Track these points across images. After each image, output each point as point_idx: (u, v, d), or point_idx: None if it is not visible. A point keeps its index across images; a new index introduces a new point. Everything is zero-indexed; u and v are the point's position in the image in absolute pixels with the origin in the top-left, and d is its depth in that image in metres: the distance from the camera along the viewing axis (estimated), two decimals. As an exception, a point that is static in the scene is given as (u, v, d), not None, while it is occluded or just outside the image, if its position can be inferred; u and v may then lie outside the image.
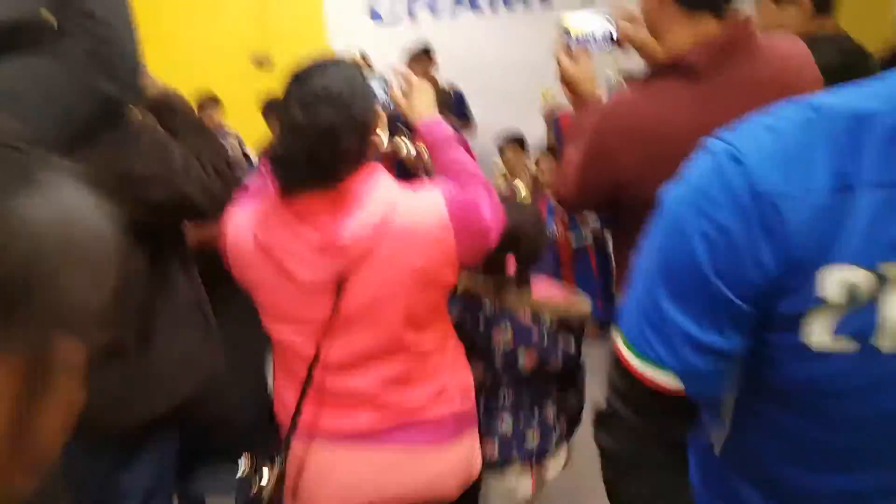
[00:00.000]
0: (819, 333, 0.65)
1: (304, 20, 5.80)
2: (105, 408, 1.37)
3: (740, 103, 1.21)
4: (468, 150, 1.44)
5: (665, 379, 0.73)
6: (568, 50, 1.54)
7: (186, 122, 1.56)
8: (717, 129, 1.19)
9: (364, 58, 3.76)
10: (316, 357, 1.28)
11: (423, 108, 1.48)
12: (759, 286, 0.66)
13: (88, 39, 0.96)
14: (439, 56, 4.85)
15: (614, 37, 1.52)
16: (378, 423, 1.32)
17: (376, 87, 1.54)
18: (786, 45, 1.34)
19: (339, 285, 1.23)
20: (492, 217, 1.30)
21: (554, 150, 4.63)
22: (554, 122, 4.76)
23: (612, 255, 4.38)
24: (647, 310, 0.74)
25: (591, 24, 1.53)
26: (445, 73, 4.91)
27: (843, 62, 1.72)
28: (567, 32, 1.54)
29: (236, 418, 2.07)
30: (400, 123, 2.36)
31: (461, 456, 1.40)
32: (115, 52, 0.98)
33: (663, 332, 0.72)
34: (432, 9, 5.88)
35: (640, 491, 0.79)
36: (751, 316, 0.68)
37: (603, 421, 0.82)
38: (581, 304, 1.73)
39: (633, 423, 0.79)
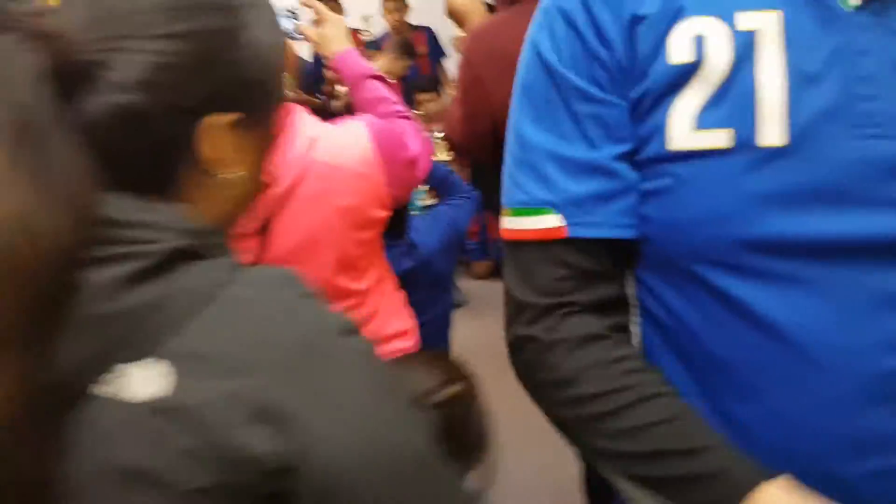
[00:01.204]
0: (680, 127, 0.59)
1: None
2: None
3: None
4: (390, 87, 1.38)
5: (548, 219, 0.64)
6: None
7: None
8: None
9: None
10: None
11: (336, 42, 1.40)
12: (607, 65, 0.62)
13: None
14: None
15: None
16: None
17: (283, 21, 1.47)
18: None
19: (262, 231, 1.17)
20: (419, 147, 1.26)
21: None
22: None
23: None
24: (514, 154, 0.68)
25: None
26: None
27: None
28: None
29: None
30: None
31: None
32: None
33: (532, 165, 0.65)
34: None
35: (568, 364, 0.64)
36: (614, 114, 0.63)
37: (516, 346, 0.68)
38: None
39: (541, 311, 0.65)
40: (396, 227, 1.52)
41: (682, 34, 0.60)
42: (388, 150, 1.21)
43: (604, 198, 0.64)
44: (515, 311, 0.68)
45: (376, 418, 0.51)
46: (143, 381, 0.47)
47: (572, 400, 0.64)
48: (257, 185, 0.61)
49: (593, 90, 0.63)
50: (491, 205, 1.78)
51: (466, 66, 1.22)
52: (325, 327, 0.52)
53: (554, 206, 0.64)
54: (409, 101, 4.25)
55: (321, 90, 3.94)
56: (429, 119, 4.48)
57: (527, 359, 0.67)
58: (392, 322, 1.36)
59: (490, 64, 1.19)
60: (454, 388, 1.08)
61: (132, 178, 0.51)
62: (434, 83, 4.58)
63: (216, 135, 0.54)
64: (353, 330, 0.53)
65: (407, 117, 1.32)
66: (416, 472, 0.52)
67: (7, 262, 0.42)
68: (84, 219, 0.47)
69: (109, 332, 0.47)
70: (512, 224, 0.68)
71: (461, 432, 1.06)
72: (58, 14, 0.51)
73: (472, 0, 1.44)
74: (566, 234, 0.64)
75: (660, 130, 0.61)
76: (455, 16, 1.45)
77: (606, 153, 0.63)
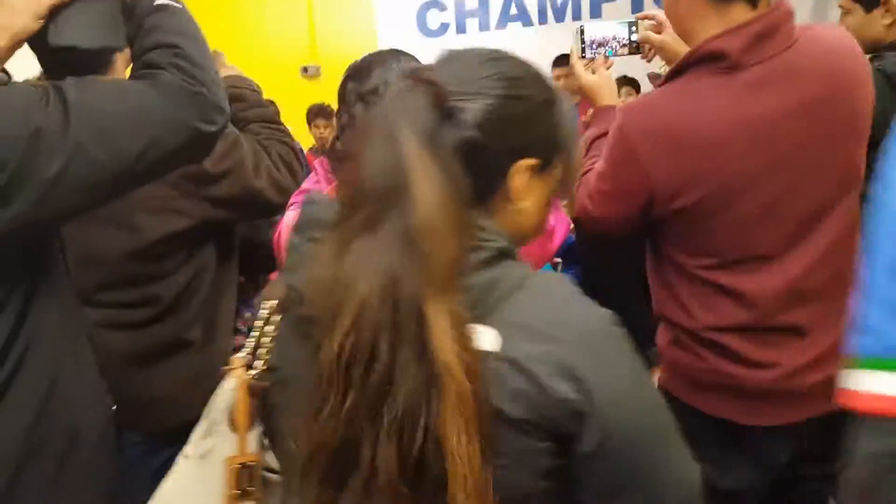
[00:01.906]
0: None
1: (355, 31, 5.82)
2: (173, 398, 1.41)
3: (783, 92, 1.11)
4: None
5: None
6: (584, 58, 1.44)
7: (257, 112, 1.56)
8: (760, 123, 1.06)
9: None
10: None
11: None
12: None
13: (181, 76, 1.00)
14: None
15: (634, 41, 1.43)
16: None
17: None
18: (829, 33, 1.19)
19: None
20: (556, 219, 1.26)
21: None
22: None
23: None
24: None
25: (609, 29, 1.44)
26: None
27: None
28: (582, 38, 1.44)
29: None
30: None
31: None
32: (207, 92, 1.01)
33: None
34: (482, 21, 5.86)
35: None
36: None
37: None
38: None
39: None
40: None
41: None
42: None
43: None
44: None
45: (641, 385, 0.70)
46: (485, 338, 0.64)
47: None
48: (540, 222, 0.79)
49: None
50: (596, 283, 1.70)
51: (621, 140, 1.18)
52: (601, 315, 0.69)
53: None
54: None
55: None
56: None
57: None
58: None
59: (647, 141, 1.15)
60: None
61: (468, 193, 0.68)
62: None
63: (522, 173, 0.72)
64: (617, 321, 0.69)
65: None
66: (667, 431, 0.70)
67: (438, 233, 0.64)
68: (468, 214, 0.68)
69: (468, 297, 0.65)
70: (863, 383, 0.58)
71: None
72: (435, 70, 0.73)
73: (602, 77, 1.41)
74: None
75: None
76: (585, 91, 1.42)
77: None
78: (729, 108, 1.11)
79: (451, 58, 0.75)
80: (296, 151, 1.54)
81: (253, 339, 0.86)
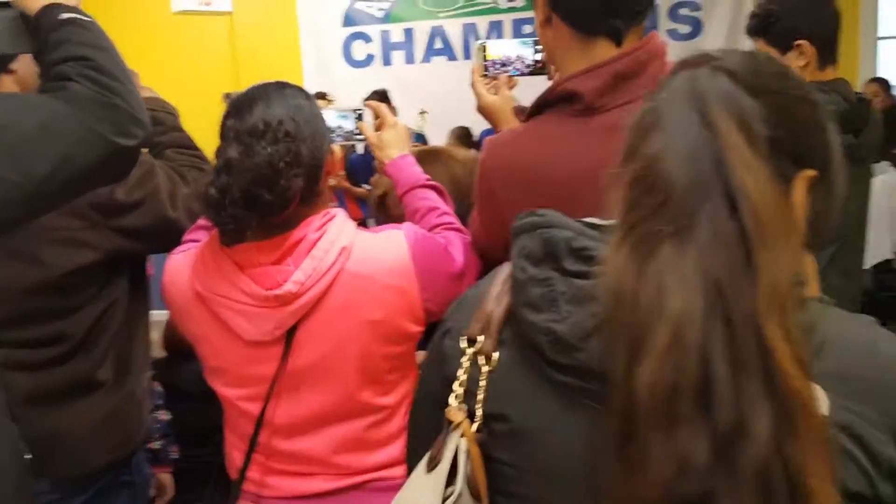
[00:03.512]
0: None
1: (279, 59, 5.76)
2: (82, 442, 1.34)
3: None
4: (443, 196, 1.34)
5: None
6: (486, 77, 1.38)
7: (173, 136, 1.51)
8: (611, 167, 1.00)
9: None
10: (261, 418, 1.15)
11: (395, 148, 1.37)
12: None
13: (94, 88, 0.94)
14: (409, 98, 4.80)
15: (538, 60, 1.38)
16: (334, 482, 1.18)
17: (340, 118, 1.44)
18: None
19: (287, 341, 1.11)
20: (464, 261, 1.19)
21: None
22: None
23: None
24: None
25: (513, 48, 1.39)
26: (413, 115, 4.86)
27: (851, 109, 1.67)
28: (485, 56, 1.39)
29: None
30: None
31: None
32: (123, 104, 0.96)
33: None
34: (407, 54, 5.91)
35: None
36: None
37: None
38: None
39: None
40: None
41: None
42: (428, 262, 1.15)
43: None
44: None
45: None
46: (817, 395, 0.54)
47: None
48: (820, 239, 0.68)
49: None
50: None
51: (482, 174, 1.14)
52: None
53: None
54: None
55: (368, 181, 4.02)
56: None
57: None
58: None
59: (501, 176, 1.11)
60: None
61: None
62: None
63: (802, 185, 0.62)
64: None
65: (458, 229, 1.26)
66: None
67: (775, 236, 0.54)
68: None
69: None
70: None
71: None
72: (724, 59, 0.64)
73: (503, 99, 1.36)
74: None
75: None
76: (485, 113, 1.38)
77: None
78: (581, 154, 1.01)
79: (726, 53, 0.65)
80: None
81: (460, 385, 0.70)
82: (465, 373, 0.69)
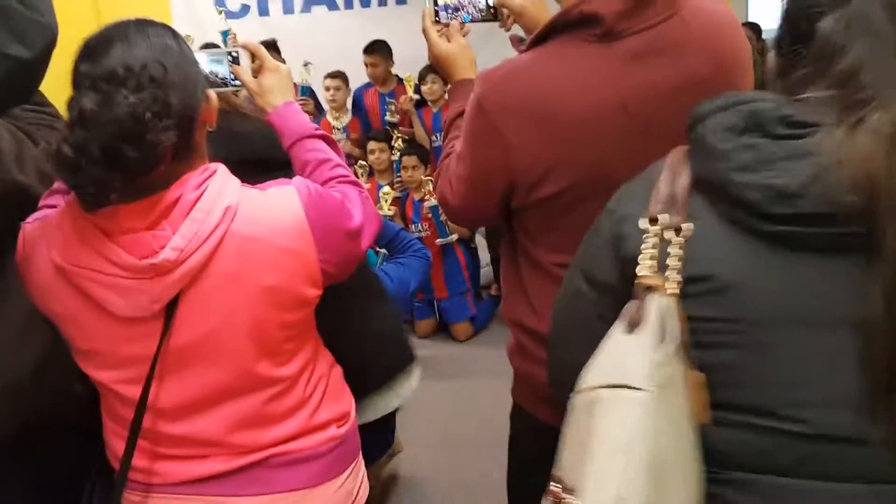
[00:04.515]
0: None
1: (148, 8, 5.33)
2: None
3: (661, 68, 1.02)
4: (334, 147, 1.23)
5: None
6: (438, 23, 1.29)
7: None
8: (636, 100, 0.99)
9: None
10: (143, 402, 1.03)
11: (277, 94, 1.24)
12: None
13: None
14: (290, 50, 4.56)
15: (491, 5, 1.29)
16: (231, 461, 1.09)
17: (213, 62, 1.29)
18: (712, 7, 1.11)
19: (167, 315, 0.99)
20: (363, 215, 1.11)
21: (416, 144, 4.49)
22: (418, 113, 4.62)
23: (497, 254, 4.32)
24: None
25: None
26: (297, 68, 4.64)
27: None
28: (436, 1, 1.29)
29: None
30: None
31: (340, 495, 1.19)
32: (26, 12, 0.84)
33: None
34: (285, 3, 5.65)
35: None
36: None
37: None
38: None
39: None
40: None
41: None
42: (324, 220, 1.05)
43: None
44: None
45: None
46: None
47: None
48: None
49: None
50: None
51: (479, 114, 1.04)
52: None
53: None
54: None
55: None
56: (381, 172, 4.39)
57: None
58: (327, 408, 1.18)
59: (508, 114, 1.02)
60: None
61: None
62: (388, 134, 4.50)
63: None
64: None
65: (353, 182, 1.17)
66: None
67: None
68: None
69: None
70: None
71: None
72: None
73: (460, 46, 1.28)
74: None
75: None
76: (439, 62, 1.29)
77: None
78: (601, 82, 0.99)
79: None
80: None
81: (651, 259, 0.75)
82: (653, 247, 0.75)
